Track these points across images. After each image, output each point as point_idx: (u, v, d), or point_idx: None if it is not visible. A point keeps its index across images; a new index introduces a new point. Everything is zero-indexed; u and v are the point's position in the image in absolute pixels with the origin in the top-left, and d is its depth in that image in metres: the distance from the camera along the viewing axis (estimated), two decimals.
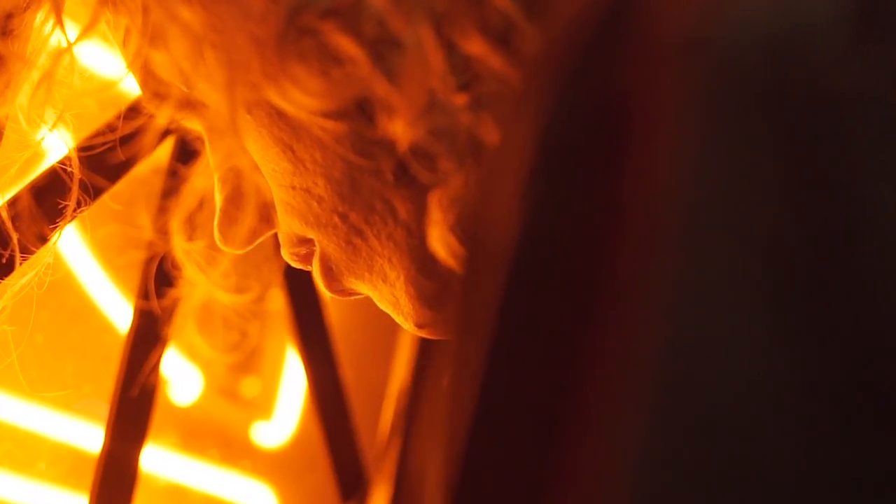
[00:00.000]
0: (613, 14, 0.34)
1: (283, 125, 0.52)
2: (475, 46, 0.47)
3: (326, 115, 0.49)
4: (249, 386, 1.04)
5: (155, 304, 0.71)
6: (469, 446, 0.34)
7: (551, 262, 0.34)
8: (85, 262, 0.87)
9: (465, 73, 0.47)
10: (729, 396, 0.30)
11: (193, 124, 0.58)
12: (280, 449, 1.03)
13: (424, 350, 0.91)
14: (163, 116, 0.58)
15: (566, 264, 0.33)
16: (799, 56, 0.32)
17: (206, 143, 0.58)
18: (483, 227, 0.37)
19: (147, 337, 0.76)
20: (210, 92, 0.51)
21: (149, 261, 0.72)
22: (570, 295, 0.33)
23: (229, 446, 1.00)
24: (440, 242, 0.50)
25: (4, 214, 0.62)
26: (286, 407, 1.04)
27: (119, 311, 0.88)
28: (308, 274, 0.58)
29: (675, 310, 0.31)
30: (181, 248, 0.59)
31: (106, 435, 0.75)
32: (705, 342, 0.31)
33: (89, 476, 0.75)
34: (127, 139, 0.62)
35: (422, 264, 0.52)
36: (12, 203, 0.64)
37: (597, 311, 0.32)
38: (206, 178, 0.60)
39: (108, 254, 0.86)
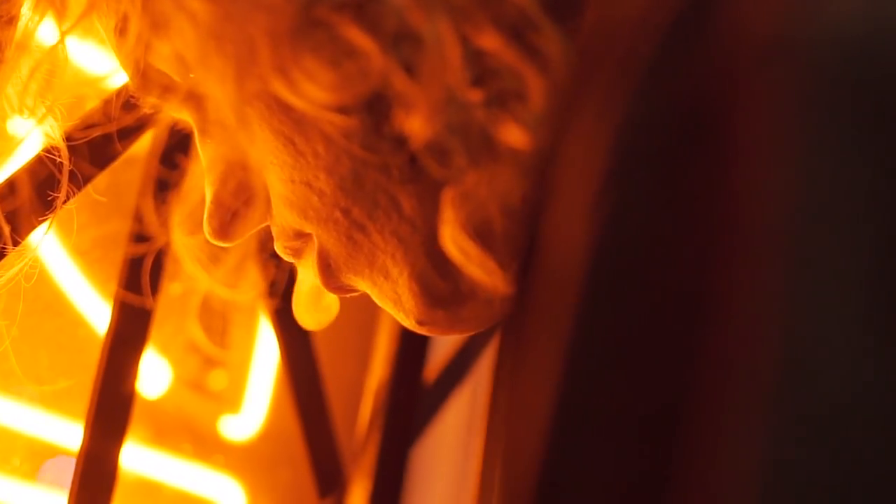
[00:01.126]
0: (690, 14, 0.34)
1: (284, 118, 0.50)
2: (490, 42, 0.46)
3: (337, 109, 0.48)
4: (217, 379, 1.03)
5: (150, 300, 0.69)
6: (549, 462, 0.34)
7: (643, 268, 0.33)
8: (58, 256, 0.85)
9: (479, 68, 0.47)
10: (850, 399, 0.30)
11: (184, 115, 0.57)
12: (249, 442, 1.02)
13: (405, 344, 0.90)
14: (154, 107, 0.57)
15: (663, 270, 0.33)
16: (893, 58, 0.32)
17: (197, 135, 0.56)
18: (545, 234, 0.36)
19: (127, 334, 0.74)
20: (214, 84, 0.50)
21: (129, 256, 0.71)
22: (672, 300, 0.33)
23: (197, 439, 0.99)
24: (451, 241, 0.49)
25: None
26: (254, 400, 1.03)
27: (93, 306, 0.87)
28: (287, 264, 0.57)
29: (790, 314, 0.31)
30: (181, 243, 0.58)
31: (85, 433, 0.73)
32: (822, 346, 0.31)
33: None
34: (115, 130, 0.61)
35: (427, 261, 0.52)
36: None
37: (705, 316, 0.32)
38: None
39: (82, 247, 0.85)
